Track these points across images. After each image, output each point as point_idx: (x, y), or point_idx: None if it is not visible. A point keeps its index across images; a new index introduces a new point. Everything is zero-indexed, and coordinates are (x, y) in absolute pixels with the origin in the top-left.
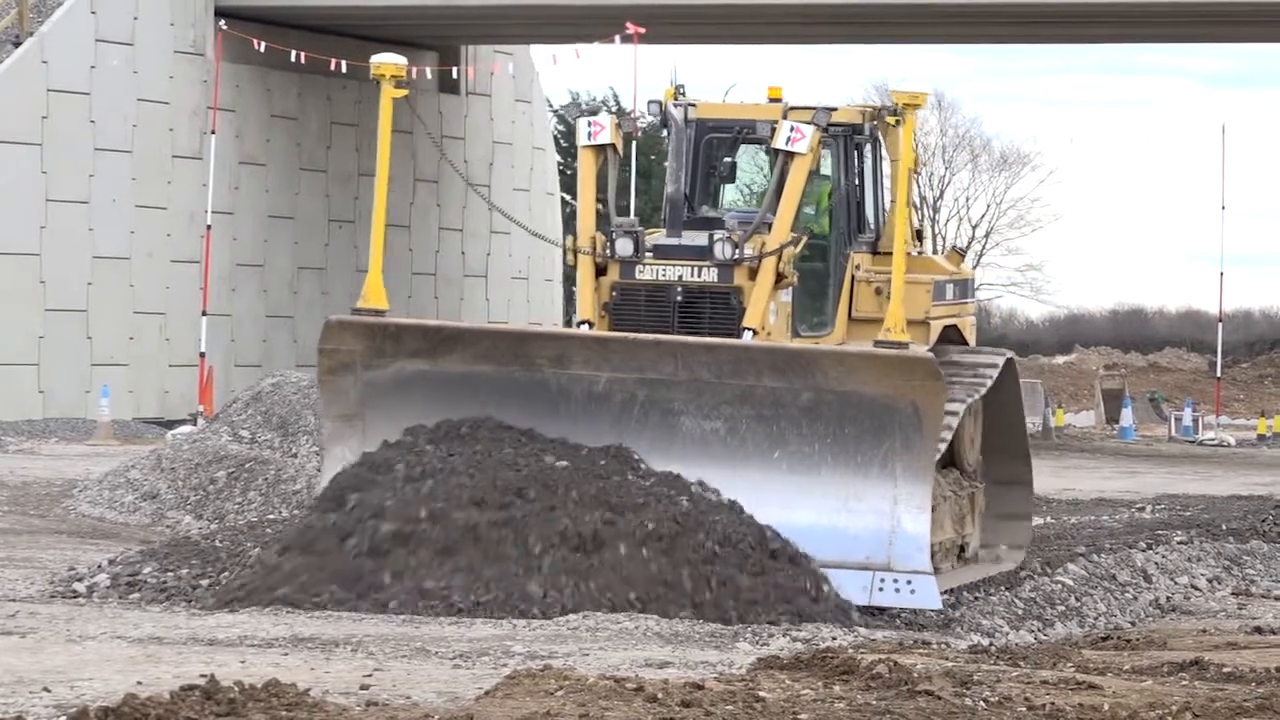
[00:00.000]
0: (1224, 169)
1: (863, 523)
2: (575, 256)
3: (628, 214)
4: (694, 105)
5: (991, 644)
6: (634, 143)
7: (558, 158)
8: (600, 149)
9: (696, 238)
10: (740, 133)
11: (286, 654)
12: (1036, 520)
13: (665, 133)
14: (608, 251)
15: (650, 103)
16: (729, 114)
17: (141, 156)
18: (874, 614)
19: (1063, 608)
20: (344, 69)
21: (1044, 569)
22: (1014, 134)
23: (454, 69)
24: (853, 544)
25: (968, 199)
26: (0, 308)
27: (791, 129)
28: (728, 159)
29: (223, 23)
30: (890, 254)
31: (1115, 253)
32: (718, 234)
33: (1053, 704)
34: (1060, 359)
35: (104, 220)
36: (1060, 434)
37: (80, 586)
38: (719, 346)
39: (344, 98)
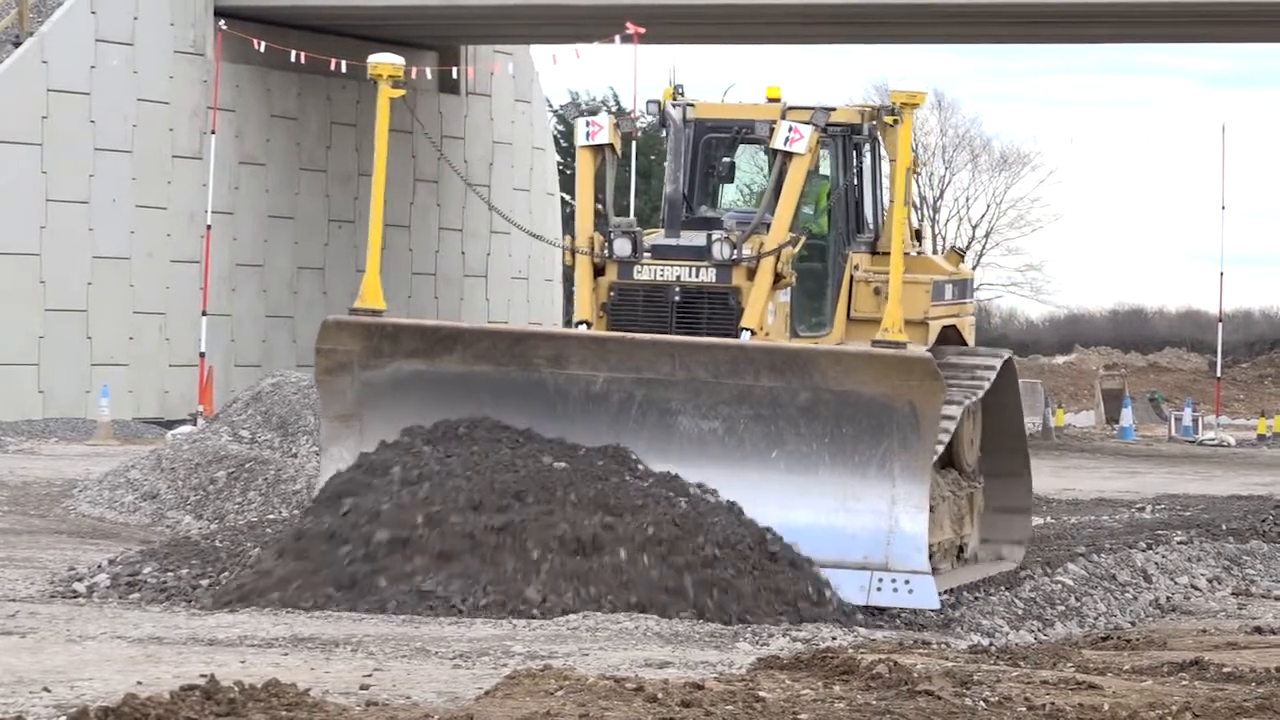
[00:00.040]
0: (1224, 169)
1: (860, 522)
2: (573, 257)
3: (627, 214)
4: (692, 105)
5: (991, 644)
6: (634, 143)
7: (557, 158)
8: (598, 149)
9: (695, 238)
10: (739, 133)
11: (286, 654)
12: (1036, 520)
13: (664, 133)
14: (606, 252)
15: (649, 102)
16: (727, 114)
17: (141, 156)
18: (874, 614)
19: (1063, 608)
20: (344, 69)
21: (1044, 569)
22: (1014, 134)
23: (454, 69)
24: (850, 544)
25: (968, 199)
26: (0, 308)
27: (790, 129)
28: (726, 159)
29: (223, 23)
30: (889, 254)
31: (1115, 253)
32: (716, 234)
33: (1053, 704)
34: (1060, 359)
35: (104, 220)
36: (1060, 434)
37: (80, 586)
38: (716, 346)
39: (344, 98)
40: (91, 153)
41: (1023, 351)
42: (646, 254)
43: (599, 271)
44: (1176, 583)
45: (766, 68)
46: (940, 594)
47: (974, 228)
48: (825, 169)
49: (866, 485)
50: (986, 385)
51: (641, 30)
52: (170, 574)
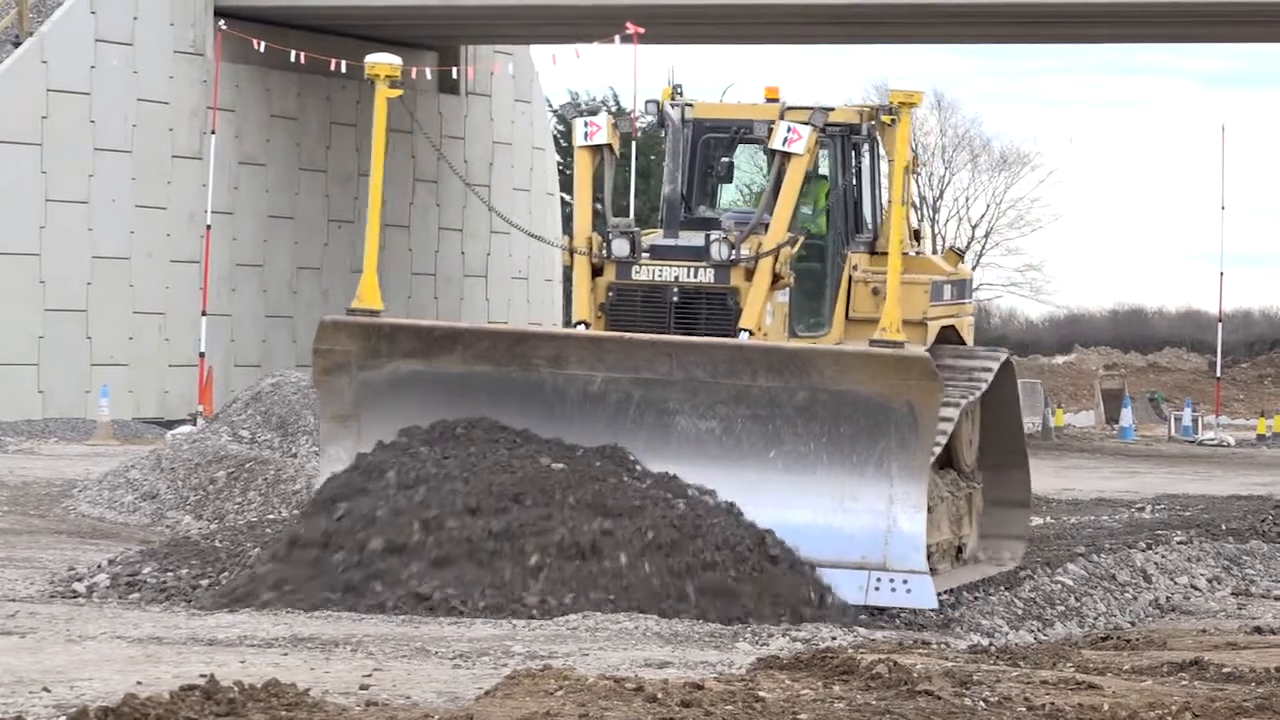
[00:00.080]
0: (1224, 169)
1: (858, 522)
2: (571, 257)
3: (626, 214)
4: (691, 105)
5: (991, 644)
6: (634, 143)
7: (557, 158)
8: (597, 149)
9: (693, 238)
10: (737, 133)
11: (286, 654)
12: (1036, 520)
13: (663, 133)
14: (604, 252)
15: (647, 102)
16: (726, 114)
17: (141, 156)
18: (874, 614)
19: (1062, 608)
20: (344, 69)
21: (1044, 569)
22: (1014, 134)
23: (454, 69)
24: (848, 543)
25: (967, 199)
26: (0, 308)
27: (788, 129)
28: (725, 159)
29: (222, 23)
30: (888, 254)
31: (1115, 253)
32: (714, 235)
33: (1052, 704)
34: (1060, 359)
35: (104, 220)
36: (1060, 434)
37: (80, 586)
38: (714, 346)
39: (344, 98)
40: (91, 153)
41: (1022, 351)
42: (645, 254)
43: (597, 272)
44: (1176, 583)
45: (766, 68)
46: (939, 594)
47: (974, 228)
48: (824, 169)
49: (864, 485)
50: (984, 386)
51: (641, 30)
52: (170, 574)
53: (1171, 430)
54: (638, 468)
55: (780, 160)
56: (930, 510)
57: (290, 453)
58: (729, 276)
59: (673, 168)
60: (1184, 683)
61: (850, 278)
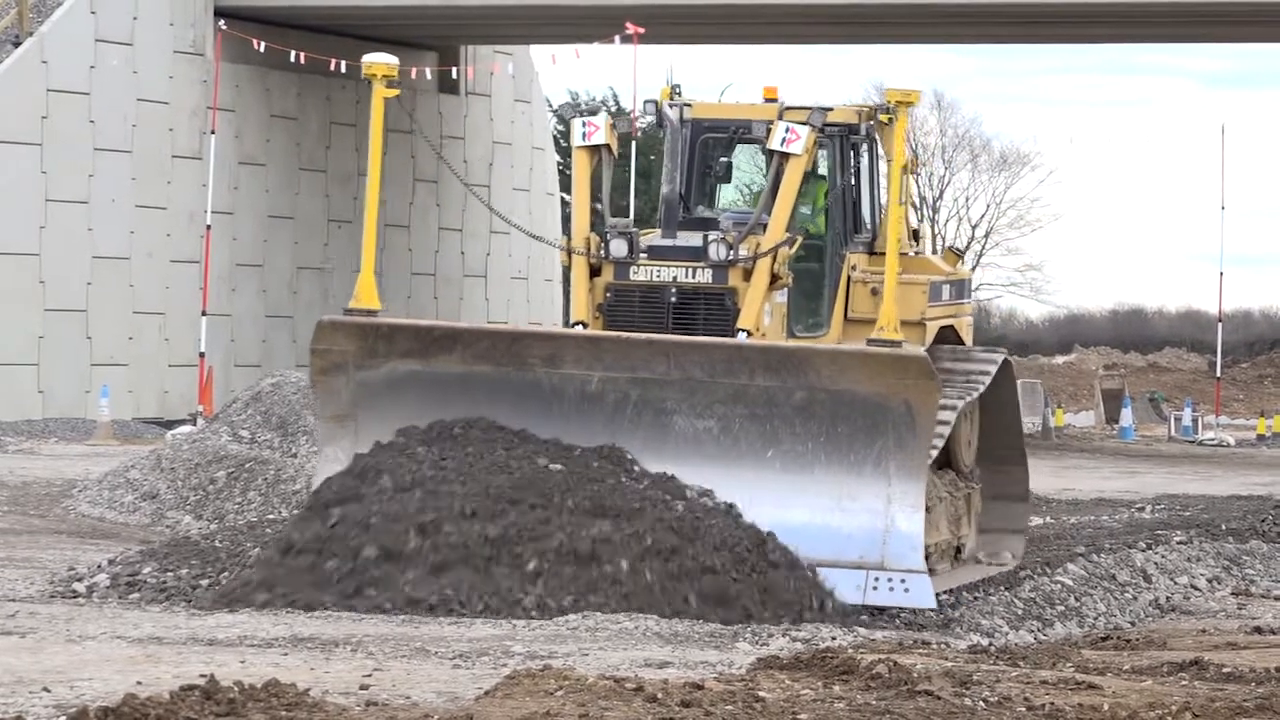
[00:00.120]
0: (1224, 169)
1: (856, 522)
2: (569, 257)
3: (626, 214)
4: (689, 105)
5: (991, 644)
6: (634, 143)
7: (557, 158)
8: (595, 149)
9: (691, 238)
10: (736, 133)
11: (286, 654)
12: (1036, 520)
13: (662, 133)
14: (602, 252)
15: (646, 102)
16: (724, 114)
17: (141, 156)
18: (874, 614)
19: (1062, 608)
20: (343, 69)
21: (1044, 569)
22: (1014, 134)
23: (454, 69)
24: (846, 543)
25: (967, 199)
26: (0, 308)
27: (787, 130)
28: (723, 159)
29: (222, 23)
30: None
31: (1115, 253)
32: (712, 235)
33: (1052, 704)
34: (1060, 359)
35: (104, 220)
36: (1060, 434)
37: (80, 586)
38: (711, 345)
39: (343, 98)
40: (91, 153)
41: (1022, 351)
42: (643, 254)
43: (595, 272)
44: (1176, 583)
45: (766, 68)
46: (939, 594)
47: (974, 228)
48: (822, 169)
49: (862, 484)
50: (982, 387)
51: (641, 30)
52: (170, 574)
53: (1171, 430)
54: (635, 468)
55: (778, 160)
56: (929, 511)
57: (290, 453)
58: (727, 277)
59: (671, 168)
60: (1184, 683)
61: (849, 278)
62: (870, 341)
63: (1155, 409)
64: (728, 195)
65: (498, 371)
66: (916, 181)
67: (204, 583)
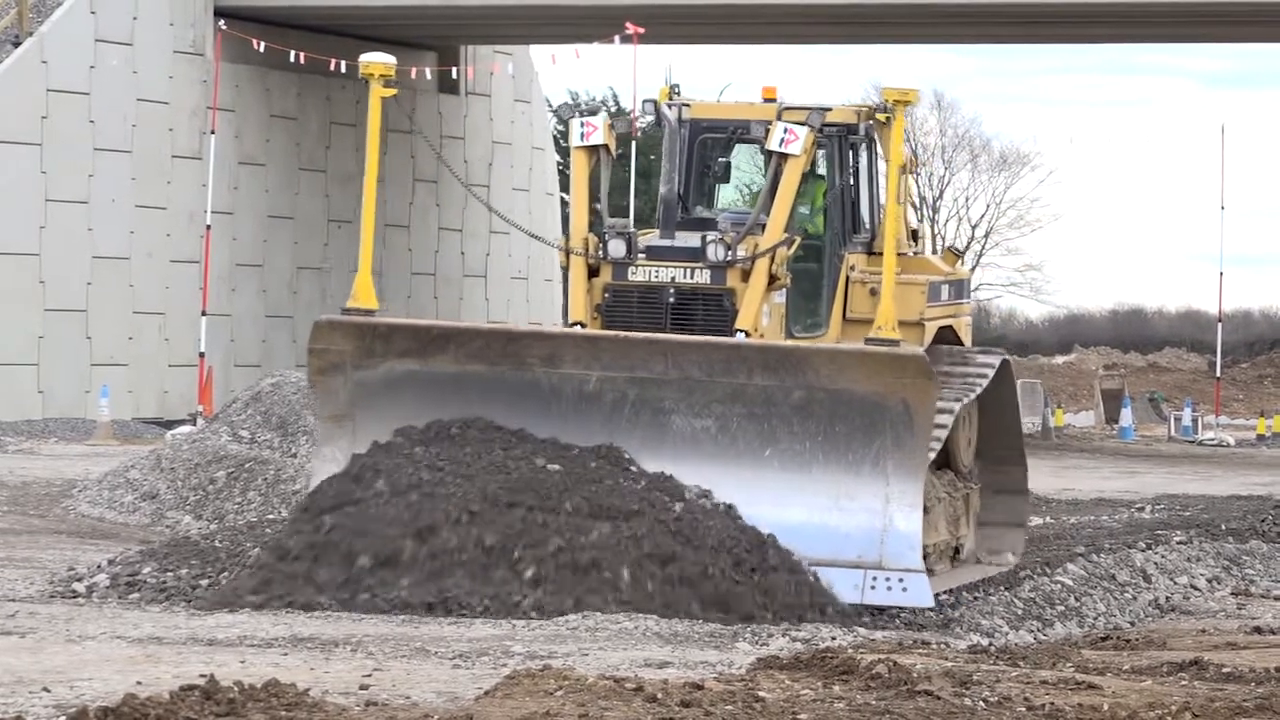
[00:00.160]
0: (1224, 169)
1: (854, 521)
2: (568, 257)
3: (626, 214)
4: (688, 105)
5: (991, 644)
6: (634, 143)
7: (557, 158)
8: (593, 149)
9: (689, 239)
10: (734, 133)
11: (286, 654)
12: (1036, 520)
13: (661, 133)
14: (600, 253)
15: (645, 102)
16: (723, 114)
17: (141, 156)
18: (874, 614)
19: (1062, 608)
20: (343, 69)
21: (1044, 569)
22: (1014, 134)
23: (453, 69)
24: (844, 542)
25: (967, 199)
26: (0, 308)
27: (785, 130)
28: (722, 159)
29: (222, 23)
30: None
31: (1115, 253)
32: (710, 235)
33: (1052, 704)
34: (1060, 359)
35: (104, 220)
36: (1060, 434)
37: (80, 586)
38: (709, 345)
39: (343, 98)
40: (91, 153)
41: (1022, 351)
42: (641, 255)
43: (594, 272)
44: (1176, 583)
45: (765, 68)
46: (938, 594)
47: (973, 228)
48: (821, 169)
49: (860, 483)
50: (981, 387)
51: (641, 30)
52: (170, 574)
53: (1171, 430)
54: (633, 468)
55: (777, 161)
56: (927, 511)
57: (290, 453)
58: (725, 277)
59: (669, 168)
60: (1184, 683)
61: (847, 278)
62: (868, 341)
63: (1155, 409)
64: (726, 195)
65: (495, 371)
66: (916, 181)
67: (204, 583)
